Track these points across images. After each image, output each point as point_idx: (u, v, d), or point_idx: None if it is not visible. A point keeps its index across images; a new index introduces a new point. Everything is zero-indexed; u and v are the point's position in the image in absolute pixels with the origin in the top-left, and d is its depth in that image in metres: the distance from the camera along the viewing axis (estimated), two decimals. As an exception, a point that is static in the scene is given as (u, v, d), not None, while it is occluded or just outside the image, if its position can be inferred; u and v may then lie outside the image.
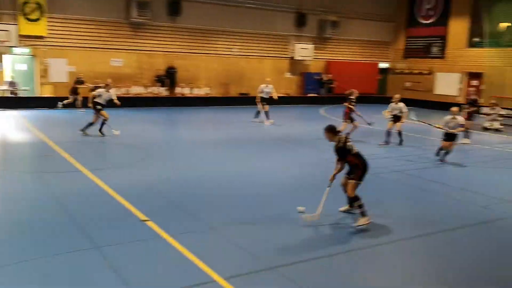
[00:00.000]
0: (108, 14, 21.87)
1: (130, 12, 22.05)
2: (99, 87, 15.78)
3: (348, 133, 14.85)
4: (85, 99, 16.82)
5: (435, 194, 9.06)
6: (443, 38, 27.46)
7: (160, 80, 23.27)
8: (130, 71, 22.78)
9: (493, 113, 18.16)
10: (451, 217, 7.59)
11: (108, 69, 21.92)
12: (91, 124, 13.76)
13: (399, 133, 13.90)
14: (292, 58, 26.73)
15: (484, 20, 25.28)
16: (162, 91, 23.22)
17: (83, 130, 13.78)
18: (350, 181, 7.07)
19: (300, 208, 7.31)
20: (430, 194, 9.01)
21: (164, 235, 6.31)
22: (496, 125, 17.83)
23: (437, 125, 12.49)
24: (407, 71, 29.59)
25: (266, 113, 17.77)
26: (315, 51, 27.04)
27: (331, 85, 27.81)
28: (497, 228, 7.28)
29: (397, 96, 14.76)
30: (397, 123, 14.02)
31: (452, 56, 27.00)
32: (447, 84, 27.10)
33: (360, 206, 6.91)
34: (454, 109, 11.89)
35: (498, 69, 24.63)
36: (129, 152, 12.17)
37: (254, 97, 18.33)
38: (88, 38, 21.55)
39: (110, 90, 14.22)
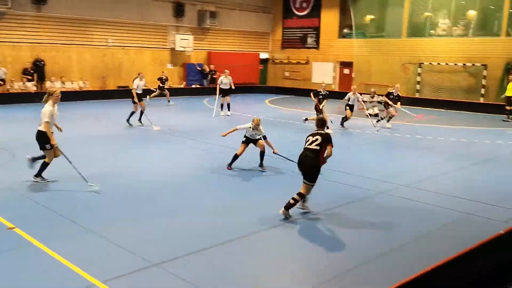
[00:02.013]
0: (-41, 1, 19.39)
1: (-13, 0, 19.77)
2: None
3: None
4: None
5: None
6: (317, 29, 28.91)
7: (27, 74, 21.27)
8: (-10, 64, 20.49)
9: (373, 101, 19.95)
10: (333, 197, 7.94)
11: (-37, 62, 19.48)
12: None
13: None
14: (172, 49, 26.17)
15: (351, 13, 27.09)
16: (30, 86, 21.25)
17: None
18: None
19: None
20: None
21: (35, 242, 5.73)
22: (376, 110, 19.43)
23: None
24: (286, 61, 30.70)
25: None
26: (195, 42, 26.79)
27: (214, 76, 27.80)
28: (372, 204, 7.78)
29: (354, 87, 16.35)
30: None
31: (326, 47, 28.56)
32: (323, 73, 28.62)
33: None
34: (354, 87, 16.05)
35: (365, 58, 26.62)
36: (-9, 154, 10.89)
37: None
38: None
39: None
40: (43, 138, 8.20)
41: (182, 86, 26.96)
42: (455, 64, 23.15)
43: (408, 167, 10.55)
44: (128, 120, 15.06)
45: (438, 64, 23.71)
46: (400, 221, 6.99)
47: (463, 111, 21.69)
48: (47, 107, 8.17)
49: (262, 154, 9.72)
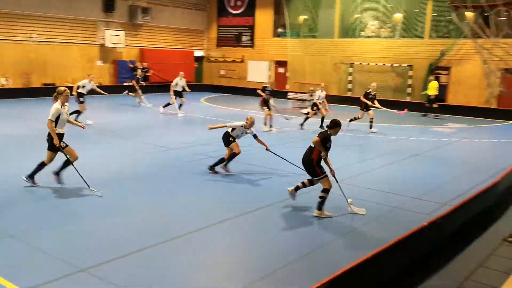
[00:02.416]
0: None
1: None
2: None
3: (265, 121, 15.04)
4: None
5: (246, 175, 9.42)
6: (251, 28, 29.03)
7: None
8: None
9: (311, 99, 20.22)
10: (267, 196, 7.95)
11: None
12: None
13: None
14: (102, 45, 25.21)
15: (285, 12, 27.47)
16: None
17: None
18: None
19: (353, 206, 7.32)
20: (242, 177, 9.34)
21: None
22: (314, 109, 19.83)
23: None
24: (221, 59, 30.58)
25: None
26: (127, 38, 26.00)
27: (147, 73, 27.12)
28: (306, 201, 7.88)
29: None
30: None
31: (261, 45, 28.75)
32: (258, 72, 28.80)
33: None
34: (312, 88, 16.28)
35: (299, 57, 27.09)
36: None
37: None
38: None
39: None
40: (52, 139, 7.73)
41: (99, 84, 26.03)
42: (384, 65, 24.12)
43: (340, 164, 10.79)
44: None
45: (368, 64, 24.59)
46: (332, 218, 7.11)
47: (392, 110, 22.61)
48: (55, 106, 7.77)
49: (234, 155, 9.38)
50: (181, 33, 29.62)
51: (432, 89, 20.59)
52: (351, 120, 15.52)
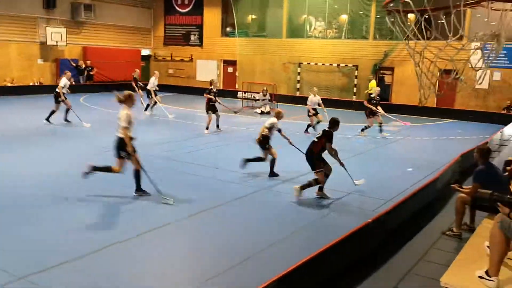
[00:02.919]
0: None
1: None
2: None
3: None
4: None
5: (196, 175, 9.33)
6: (199, 27, 28.79)
7: None
8: None
9: (265, 99, 20.33)
10: (216, 195, 7.90)
11: None
12: None
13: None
14: (43, 43, 24.19)
15: (234, 12, 27.45)
16: None
17: None
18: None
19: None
20: (195, 177, 9.24)
21: None
22: (268, 108, 20.00)
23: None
24: (169, 58, 30.13)
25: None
26: (69, 36, 25.07)
27: (91, 72, 26.33)
28: (255, 200, 7.90)
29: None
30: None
31: (209, 45, 28.58)
32: (207, 71, 28.61)
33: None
34: (315, 89, 15.69)
35: (248, 57, 27.15)
36: None
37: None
38: None
39: None
40: (121, 145, 7.39)
41: (40, 83, 25.06)
42: (330, 65, 24.63)
43: (290, 163, 10.90)
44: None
45: (316, 64, 25.03)
46: (282, 216, 7.18)
47: (339, 109, 23.13)
48: (124, 111, 7.36)
49: (274, 161, 9.32)
50: (127, 31, 28.92)
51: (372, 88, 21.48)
52: (362, 130, 15.04)
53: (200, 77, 28.97)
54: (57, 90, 14.95)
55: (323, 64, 24.81)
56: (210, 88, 14.64)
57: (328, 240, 4.97)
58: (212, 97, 14.40)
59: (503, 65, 20.34)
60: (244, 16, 27.81)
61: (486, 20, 7.66)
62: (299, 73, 25.63)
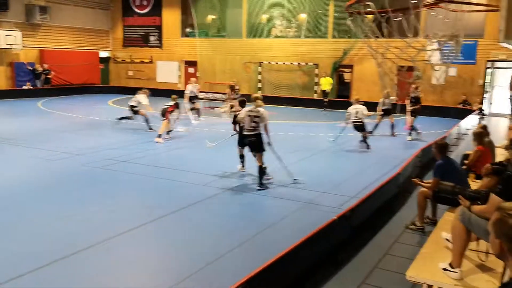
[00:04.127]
0: None
1: None
2: None
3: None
4: None
5: (160, 178, 9.22)
6: (159, 28, 28.45)
7: None
8: None
9: (226, 99, 20.08)
10: (180, 198, 7.83)
11: None
12: None
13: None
14: (-4, 46, 23.31)
15: (193, 12, 27.27)
16: None
17: None
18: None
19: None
20: (156, 180, 9.12)
21: None
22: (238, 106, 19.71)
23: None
24: (128, 60, 29.64)
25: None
26: (24, 39, 24.28)
27: (49, 76, 25.57)
28: (219, 201, 7.87)
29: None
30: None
31: (169, 45, 28.29)
32: (168, 72, 28.32)
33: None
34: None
35: (209, 57, 27.05)
36: None
37: None
38: None
39: None
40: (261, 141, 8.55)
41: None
42: (291, 63, 24.85)
43: (251, 163, 10.92)
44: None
45: (276, 63, 25.20)
46: (245, 217, 7.18)
47: (300, 107, 23.41)
48: (266, 111, 8.59)
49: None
50: (84, 33, 28.24)
51: (325, 84, 22.00)
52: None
53: (160, 78, 28.65)
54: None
55: (283, 63, 25.00)
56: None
57: (294, 240, 4.99)
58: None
59: (459, 61, 21.09)
60: (204, 17, 27.68)
61: (441, 17, 7.93)
62: (260, 73, 25.72)
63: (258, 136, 8.56)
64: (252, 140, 8.59)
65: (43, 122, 16.18)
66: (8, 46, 23.45)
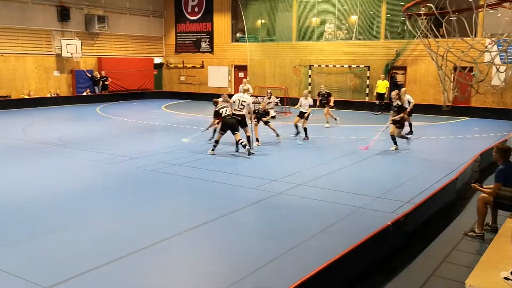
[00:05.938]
0: None
1: None
2: None
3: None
4: None
5: (212, 182, 9.39)
6: (210, 34, 28.97)
7: None
8: None
9: (270, 102, 20.19)
10: (232, 201, 7.95)
11: None
12: None
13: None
14: (58, 55, 24.56)
15: (243, 17, 27.58)
16: None
17: None
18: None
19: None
20: (208, 183, 9.30)
21: None
22: (273, 112, 19.71)
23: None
24: (181, 65, 30.37)
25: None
26: (84, 47, 25.44)
27: (106, 82, 26.68)
28: (271, 204, 7.93)
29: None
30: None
31: (220, 51, 28.74)
32: (218, 77, 28.78)
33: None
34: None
35: (258, 61, 27.24)
36: None
37: (18, 100, 16.22)
38: None
39: None
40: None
41: (57, 94, 25.38)
42: (342, 66, 24.59)
43: (304, 166, 10.93)
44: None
45: (326, 66, 25.02)
46: (298, 220, 7.18)
47: (351, 110, 23.11)
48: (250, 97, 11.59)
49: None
50: (139, 41, 29.24)
51: (381, 87, 21.68)
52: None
53: (211, 83, 29.15)
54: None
55: (334, 66, 24.78)
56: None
57: (347, 245, 4.96)
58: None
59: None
60: (254, 21, 27.92)
61: (499, 15, 7.62)
62: (310, 76, 25.63)
63: (243, 116, 12.25)
64: (238, 119, 11.90)
65: (101, 127, 16.88)
66: (69, 55, 24.67)
